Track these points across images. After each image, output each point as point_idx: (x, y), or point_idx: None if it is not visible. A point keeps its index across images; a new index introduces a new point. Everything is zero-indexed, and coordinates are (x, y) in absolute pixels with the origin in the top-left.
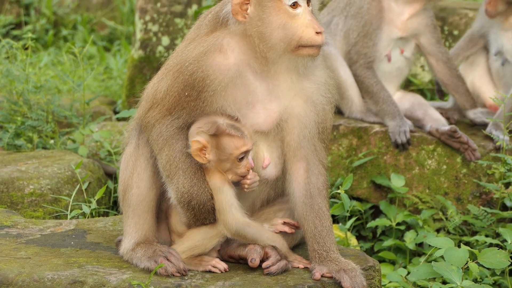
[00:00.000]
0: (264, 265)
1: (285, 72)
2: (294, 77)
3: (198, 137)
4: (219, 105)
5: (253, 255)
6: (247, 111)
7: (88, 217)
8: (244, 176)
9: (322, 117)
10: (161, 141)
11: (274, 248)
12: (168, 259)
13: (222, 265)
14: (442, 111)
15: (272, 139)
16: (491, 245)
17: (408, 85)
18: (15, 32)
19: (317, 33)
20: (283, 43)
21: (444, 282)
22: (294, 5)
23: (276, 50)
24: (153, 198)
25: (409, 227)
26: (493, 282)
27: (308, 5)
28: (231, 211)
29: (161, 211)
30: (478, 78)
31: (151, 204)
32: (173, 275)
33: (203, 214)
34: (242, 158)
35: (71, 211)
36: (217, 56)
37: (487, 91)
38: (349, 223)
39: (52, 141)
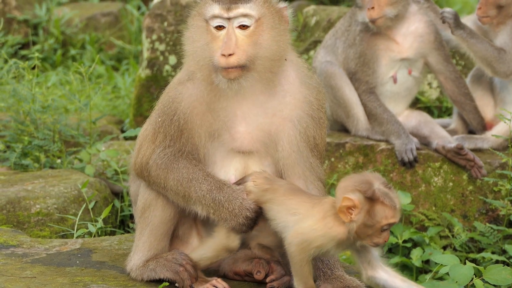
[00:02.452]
0: (268, 279)
1: (252, 94)
2: (262, 97)
3: (352, 195)
4: (194, 129)
5: (259, 268)
6: (223, 135)
7: (94, 236)
8: (377, 244)
9: (308, 134)
10: (162, 172)
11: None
12: (184, 267)
13: (222, 285)
14: None
15: (262, 157)
16: (497, 262)
17: (415, 102)
18: (23, 52)
19: (222, 55)
20: (206, 62)
21: None
22: (220, 27)
23: (204, 70)
24: (174, 222)
25: (415, 244)
26: None
27: (244, 29)
28: (309, 257)
29: (176, 237)
30: (480, 97)
31: (171, 228)
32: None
33: (236, 206)
34: (385, 229)
35: (77, 230)
36: (188, 84)
37: (486, 110)
38: None
39: (59, 161)
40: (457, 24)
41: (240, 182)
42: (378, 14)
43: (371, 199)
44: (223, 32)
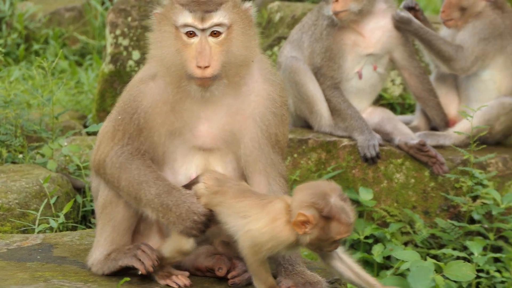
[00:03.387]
0: (230, 275)
1: (219, 98)
2: (228, 99)
3: (307, 211)
4: (154, 128)
5: (220, 265)
6: (184, 133)
7: (55, 232)
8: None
9: (270, 131)
10: (116, 171)
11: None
12: (143, 251)
13: (182, 281)
14: None
15: (224, 154)
16: (458, 258)
17: (378, 99)
18: None
19: (198, 66)
20: (178, 69)
21: None
22: (191, 33)
23: (173, 75)
24: (137, 219)
25: (377, 240)
26: None
27: (216, 36)
28: (262, 258)
29: (137, 232)
30: (444, 94)
31: (134, 224)
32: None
33: (183, 210)
34: (337, 241)
35: (38, 225)
36: (151, 83)
37: (450, 107)
38: None
39: (21, 156)
40: (413, 20)
41: (194, 181)
42: (342, 7)
43: (327, 217)
44: (194, 39)
